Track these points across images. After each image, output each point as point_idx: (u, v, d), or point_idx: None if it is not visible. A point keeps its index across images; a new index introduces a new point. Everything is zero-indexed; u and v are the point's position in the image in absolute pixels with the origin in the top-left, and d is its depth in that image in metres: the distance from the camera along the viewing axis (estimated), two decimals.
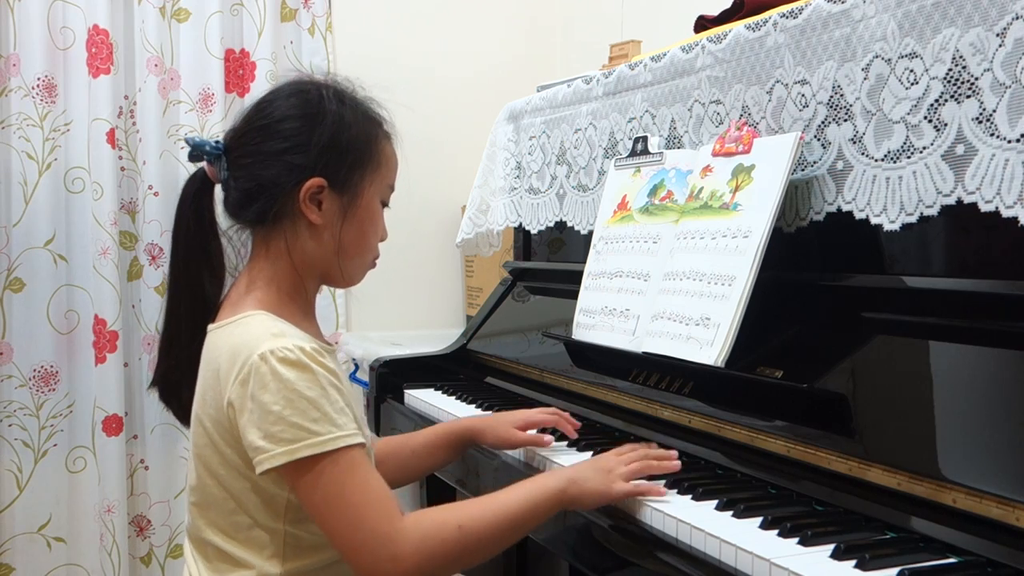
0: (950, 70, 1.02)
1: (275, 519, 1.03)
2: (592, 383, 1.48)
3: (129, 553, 2.50)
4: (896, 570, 0.82)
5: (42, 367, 2.43)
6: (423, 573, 0.97)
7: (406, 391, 1.83)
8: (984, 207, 0.97)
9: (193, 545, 1.08)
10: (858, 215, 1.14)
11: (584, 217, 1.76)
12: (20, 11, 2.37)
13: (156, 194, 2.51)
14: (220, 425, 1.01)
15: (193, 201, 1.11)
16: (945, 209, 1.03)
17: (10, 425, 2.41)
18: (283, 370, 0.96)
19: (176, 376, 1.12)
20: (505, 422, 1.31)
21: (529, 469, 1.28)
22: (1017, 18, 0.94)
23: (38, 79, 2.38)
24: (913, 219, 1.06)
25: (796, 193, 1.24)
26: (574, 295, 1.56)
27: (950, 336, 1.00)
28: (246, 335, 1.01)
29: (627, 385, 1.39)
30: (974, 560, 0.84)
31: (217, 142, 1.09)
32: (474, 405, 1.63)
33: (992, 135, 0.97)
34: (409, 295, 2.84)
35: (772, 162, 1.21)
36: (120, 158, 2.48)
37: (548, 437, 1.29)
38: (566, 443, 1.32)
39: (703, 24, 1.58)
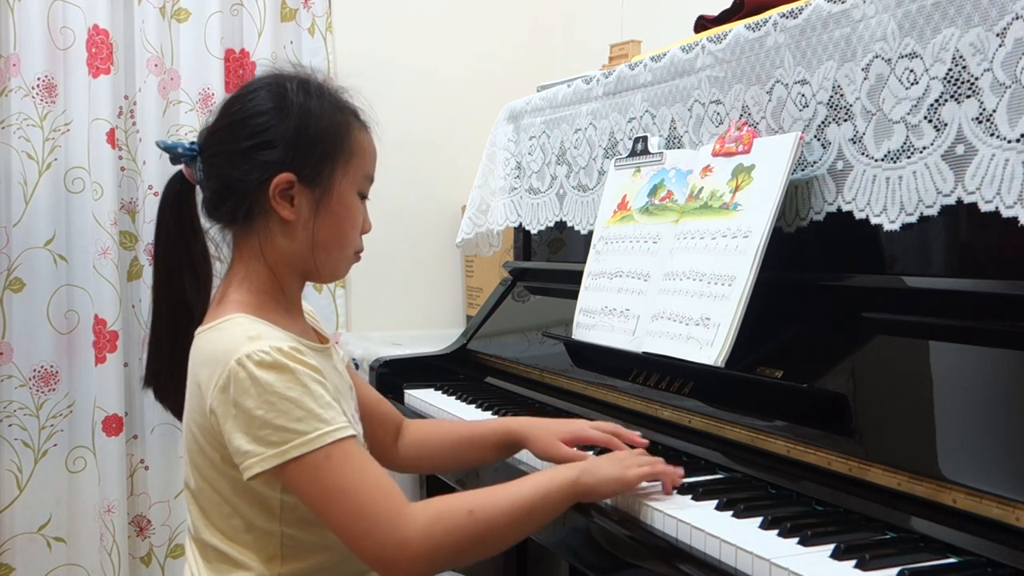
0: (950, 70, 1.02)
1: (270, 520, 1.02)
2: (592, 383, 1.48)
3: (129, 553, 2.50)
4: (896, 570, 0.82)
5: (42, 367, 2.43)
6: (432, 560, 0.95)
7: (406, 391, 1.84)
8: (984, 207, 0.97)
9: (194, 545, 1.08)
10: (858, 215, 1.14)
11: (584, 217, 1.76)
12: (20, 11, 2.37)
13: (156, 194, 2.50)
14: (205, 430, 1.01)
15: (173, 204, 1.10)
16: (945, 209, 1.03)
17: (10, 425, 2.41)
18: (261, 373, 0.95)
19: (164, 378, 1.12)
20: (552, 433, 1.22)
21: (531, 471, 1.27)
22: (1017, 18, 0.94)
23: (38, 79, 2.38)
24: (913, 219, 1.06)
25: (796, 193, 1.24)
26: (574, 295, 1.56)
27: (950, 336, 1.00)
28: (223, 341, 0.99)
29: (627, 385, 1.39)
30: (974, 560, 0.84)
31: (192, 143, 1.08)
32: (474, 405, 1.63)
33: (992, 135, 0.97)
34: (409, 295, 2.84)
35: (772, 162, 1.21)
36: (120, 158, 2.48)
37: (588, 455, 1.18)
38: None
39: (703, 24, 1.58)
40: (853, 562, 0.84)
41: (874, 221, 1.11)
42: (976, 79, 0.98)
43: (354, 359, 2.42)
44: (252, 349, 0.96)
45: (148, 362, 1.14)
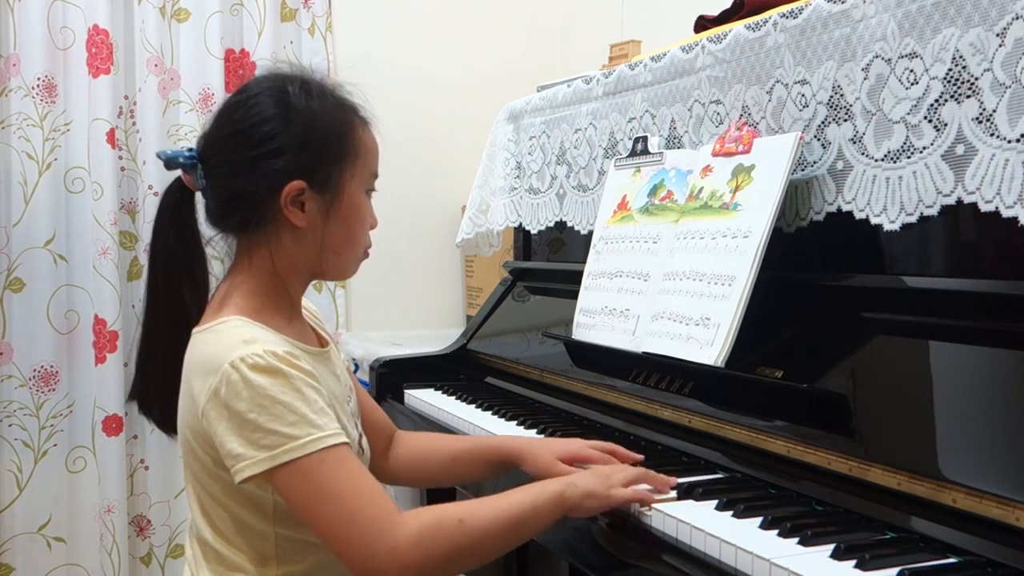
0: (950, 70, 1.01)
1: (263, 522, 1.02)
2: (592, 383, 1.48)
3: (129, 553, 2.50)
4: (896, 570, 0.82)
5: (42, 367, 2.43)
6: (422, 568, 0.94)
7: (406, 391, 1.83)
8: (984, 207, 0.97)
9: (195, 544, 1.08)
10: (858, 215, 1.14)
11: (584, 217, 1.76)
12: (20, 11, 2.37)
13: (156, 194, 2.50)
14: (198, 433, 1.00)
15: (173, 213, 1.08)
16: (945, 209, 1.03)
17: (10, 425, 2.41)
18: (254, 377, 0.94)
19: (152, 391, 1.10)
20: (548, 451, 1.18)
21: (528, 481, 1.26)
22: (1017, 18, 0.94)
23: (38, 79, 2.38)
24: (913, 219, 1.06)
25: (796, 193, 1.24)
26: (574, 295, 1.56)
27: (950, 336, 1.00)
28: (218, 344, 0.99)
29: (627, 385, 1.39)
30: (974, 560, 0.84)
31: (191, 151, 1.06)
32: (474, 405, 1.63)
33: (992, 135, 0.97)
34: (409, 295, 2.84)
35: (772, 162, 1.21)
36: (120, 158, 2.48)
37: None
38: None
39: (703, 24, 1.58)
40: (853, 562, 0.84)
41: (874, 221, 1.11)
42: (976, 79, 0.98)
43: (354, 359, 2.42)
44: (246, 352, 0.95)
45: (136, 376, 1.12)
